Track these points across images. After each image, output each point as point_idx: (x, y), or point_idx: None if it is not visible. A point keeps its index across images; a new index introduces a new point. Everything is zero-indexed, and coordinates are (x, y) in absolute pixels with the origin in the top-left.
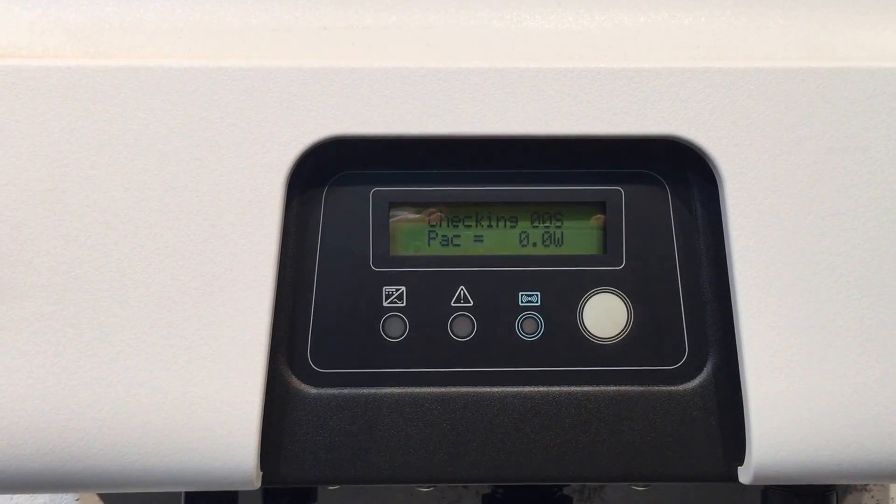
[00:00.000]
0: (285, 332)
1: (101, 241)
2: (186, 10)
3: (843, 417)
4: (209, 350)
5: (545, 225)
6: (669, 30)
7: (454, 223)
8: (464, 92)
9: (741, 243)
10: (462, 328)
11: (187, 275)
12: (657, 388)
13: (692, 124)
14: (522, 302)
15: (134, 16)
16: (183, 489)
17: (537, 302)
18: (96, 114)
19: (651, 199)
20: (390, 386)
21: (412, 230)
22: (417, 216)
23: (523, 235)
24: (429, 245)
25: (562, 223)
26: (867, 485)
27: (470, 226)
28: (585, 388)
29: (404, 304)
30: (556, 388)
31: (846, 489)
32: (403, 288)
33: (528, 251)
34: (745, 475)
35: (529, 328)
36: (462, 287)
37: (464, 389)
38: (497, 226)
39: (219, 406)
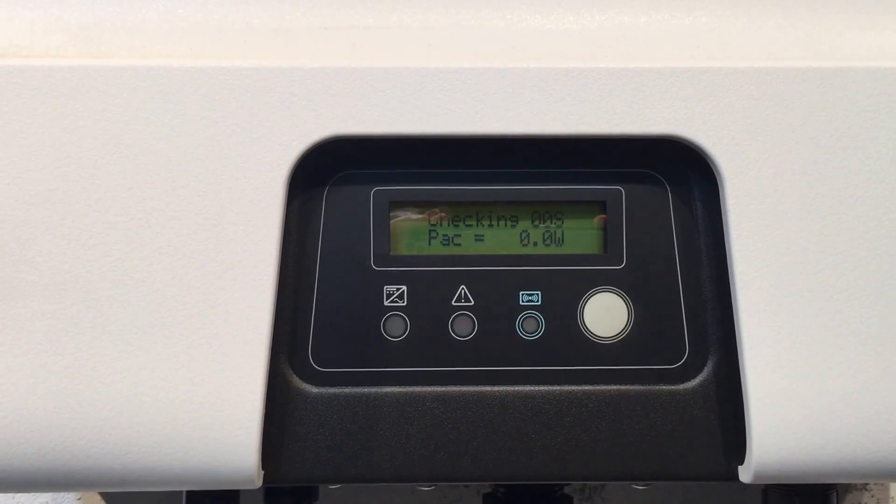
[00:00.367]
0: (286, 332)
1: (103, 241)
2: (188, 10)
3: (843, 416)
4: (210, 349)
5: (546, 224)
6: (670, 30)
7: (455, 222)
8: (464, 91)
9: (741, 243)
10: (463, 327)
11: (189, 274)
12: (658, 387)
13: (692, 124)
14: (523, 301)
15: (135, 16)
16: (184, 488)
17: (538, 301)
18: (97, 114)
19: (651, 199)
20: (391, 385)
21: (413, 229)
22: (418, 215)
23: (524, 235)
24: (429, 244)
25: (562, 222)
26: (867, 484)
27: (471, 225)
28: (586, 388)
29: (405, 304)
30: (556, 388)
31: (846, 488)
32: (404, 287)
33: (529, 250)
34: (745, 474)
35: (530, 327)
36: (463, 286)
37: (464, 388)
38: (498, 225)
39: (220, 405)
